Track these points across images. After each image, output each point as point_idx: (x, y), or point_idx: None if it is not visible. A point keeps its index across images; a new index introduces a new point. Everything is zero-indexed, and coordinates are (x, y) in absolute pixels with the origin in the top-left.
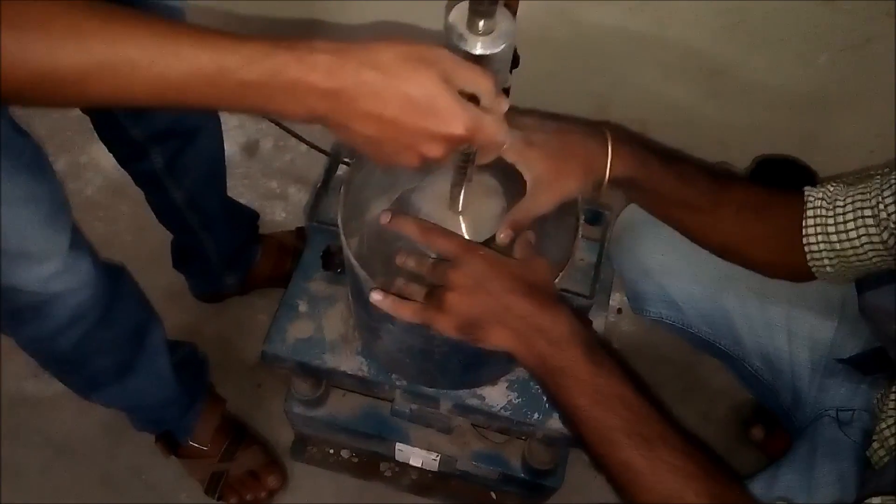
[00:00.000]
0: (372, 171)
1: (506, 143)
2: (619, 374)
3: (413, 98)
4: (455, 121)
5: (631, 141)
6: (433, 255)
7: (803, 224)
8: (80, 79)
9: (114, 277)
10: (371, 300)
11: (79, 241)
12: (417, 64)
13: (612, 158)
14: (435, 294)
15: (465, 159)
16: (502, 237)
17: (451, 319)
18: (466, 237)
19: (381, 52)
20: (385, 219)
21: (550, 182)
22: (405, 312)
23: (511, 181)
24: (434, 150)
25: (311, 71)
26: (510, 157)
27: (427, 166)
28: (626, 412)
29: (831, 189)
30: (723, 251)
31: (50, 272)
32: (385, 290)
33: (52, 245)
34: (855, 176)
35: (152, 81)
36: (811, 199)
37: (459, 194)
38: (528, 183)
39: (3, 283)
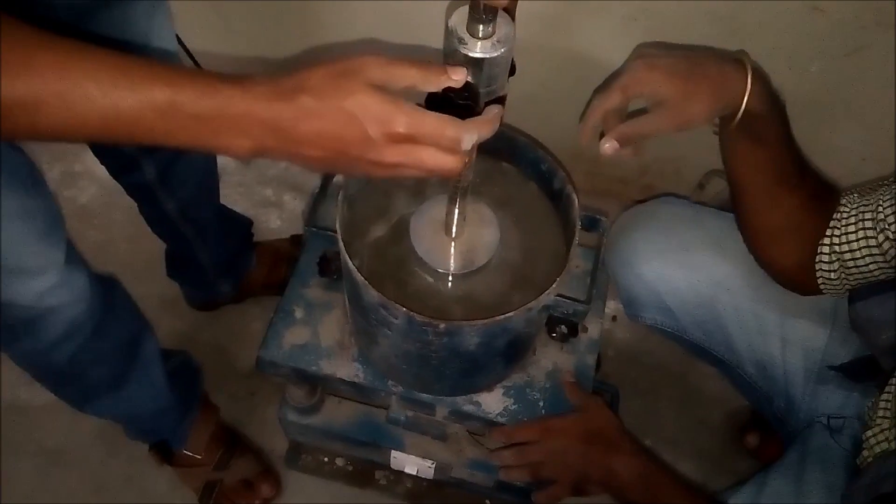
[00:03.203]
0: (370, 189)
1: (462, 138)
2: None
3: (347, 110)
4: (390, 119)
5: (767, 79)
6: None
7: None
8: (33, 108)
9: (106, 289)
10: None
11: (73, 255)
12: (343, 77)
13: (751, 86)
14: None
15: (456, 187)
16: (606, 147)
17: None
18: (461, 263)
19: (309, 76)
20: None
21: (675, 104)
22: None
23: (506, 210)
24: (386, 156)
25: (255, 102)
26: (633, 87)
27: (393, 175)
28: None
29: (851, 196)
30: (758, 237)
31: (45, 286)
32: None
33: (48, 260)
34: (877, 183)
35: (105, 113)
36: (844, 209)
37: (453, 221)
38: (649, 107)
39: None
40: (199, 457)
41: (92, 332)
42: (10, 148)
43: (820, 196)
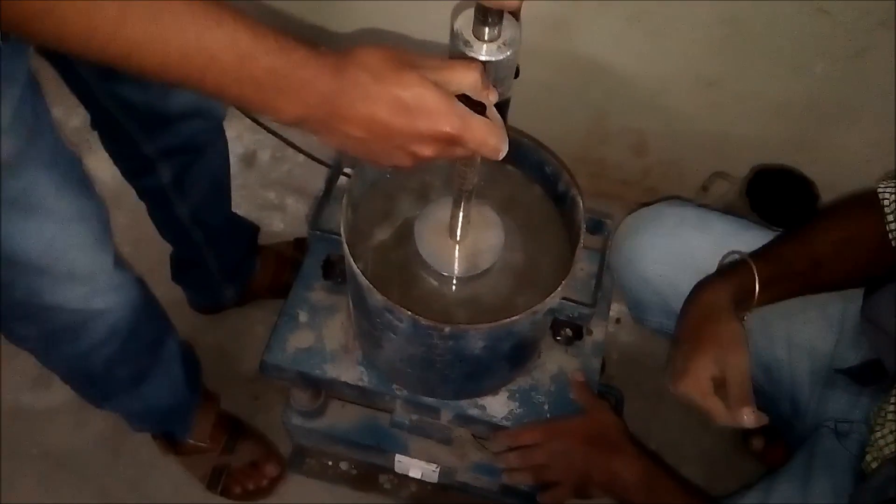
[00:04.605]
0: (374, 192)
1: (502, 149)
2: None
3: (402, 99)
4: (442, 119)
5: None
6: None
7: (886, 227)
8: (121, 17)
9: (139, 290)
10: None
11: (118, 258)
12: (402, 66)
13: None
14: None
15: (460, 190)
16: (751, 419)
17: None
18: (465, 266)
19: (368, 56)
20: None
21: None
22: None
23: (511, 213)
24: (424, 150)
25: (322, 69)
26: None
27: (419, 165)
28: None
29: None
30: (841, 287)
31: (95, 290)
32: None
33: (99, 263)
34: None
35: (189, 44)
36: (886, 200)
37: (457, 224)
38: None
39: (47, 302)
40: (204, 445)
41: (127, 334)
42: (64, 147)
43: (856, 216)
